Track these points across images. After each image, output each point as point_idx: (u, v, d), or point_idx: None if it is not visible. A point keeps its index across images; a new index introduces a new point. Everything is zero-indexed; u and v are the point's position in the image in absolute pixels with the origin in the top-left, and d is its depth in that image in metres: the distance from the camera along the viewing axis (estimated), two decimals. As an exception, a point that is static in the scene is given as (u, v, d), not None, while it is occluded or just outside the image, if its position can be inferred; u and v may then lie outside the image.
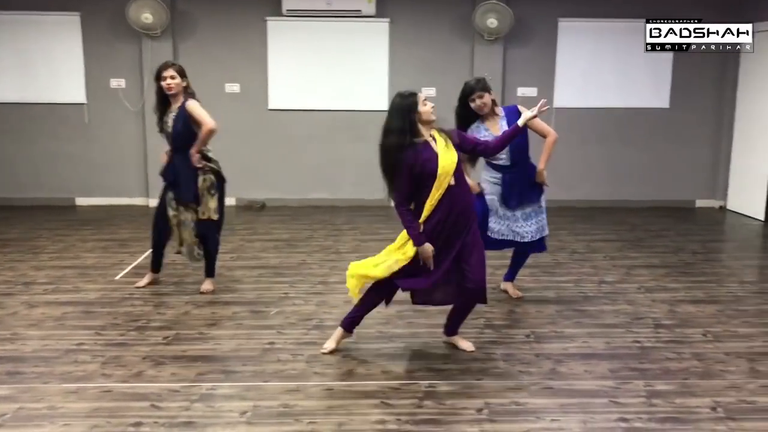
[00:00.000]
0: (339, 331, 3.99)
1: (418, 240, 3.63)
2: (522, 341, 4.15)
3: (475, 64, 8.50)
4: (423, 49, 8.51)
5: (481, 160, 4.69)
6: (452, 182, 3.64)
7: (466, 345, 4.05)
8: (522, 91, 8.62)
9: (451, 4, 8.48)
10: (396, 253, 3.72)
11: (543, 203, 4.80)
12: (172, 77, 4.78)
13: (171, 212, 4.97)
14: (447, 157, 3.64)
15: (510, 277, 5.11)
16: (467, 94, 4.58)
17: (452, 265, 3.72)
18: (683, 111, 8.75)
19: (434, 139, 3.71)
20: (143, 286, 5.15)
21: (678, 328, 4.40)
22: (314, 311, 4.67)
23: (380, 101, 8.38)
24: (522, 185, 4.68)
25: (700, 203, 8.97)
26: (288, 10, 8.18)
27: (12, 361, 3.80)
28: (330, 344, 3.96)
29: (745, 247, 6.91)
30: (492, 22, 8.08)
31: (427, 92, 8.53)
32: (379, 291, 3.87)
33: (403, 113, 3.65)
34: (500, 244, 4.78)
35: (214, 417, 3.18)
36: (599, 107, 8.75)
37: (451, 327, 4.07)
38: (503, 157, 4.61)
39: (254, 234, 7.07)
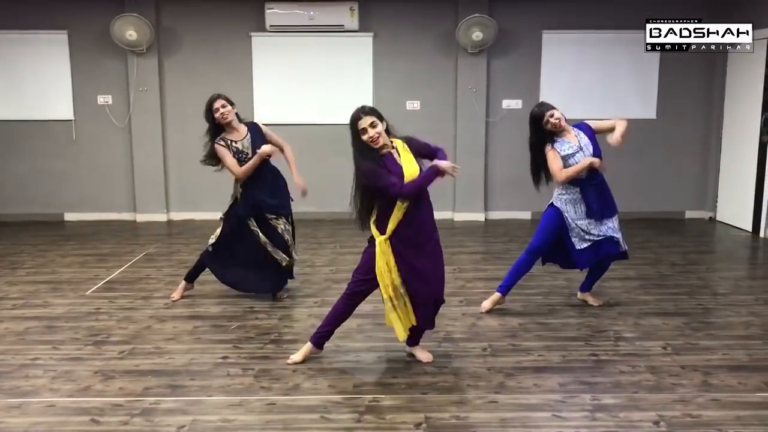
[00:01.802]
0: (308, 346, 3.99)
1: (429, 175, 3.68)
2: (477, 354, 4.12)
3: (459, 77, 8.51)
4: (406, 62, 8.54)
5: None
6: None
7: (424, 356, 4.04)
8: (507, 104, 8.63)
9: (434, 18, 8.50)
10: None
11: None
12: (224, 105, 4.93)
13: (262, 238, 5.02)
14: (410, 167, 3.68)
15: (588, 287, 5.11)
16: (538, 118, 4.74)
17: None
18: (671, 121, 8.71)
19: (397, 150, 3.73)
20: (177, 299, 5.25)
21: (639, 341, 4.35)
22: (275, 325, 4.66)
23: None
24: (602, 195, 4.82)
25: (689, 214, 8.90)
26: (272, 26, 8.24)
27: (-35, 377, 3.82)
28: (297, 357, 3.96)
29: (726, 259, 6.83)
30: (477, 35, 8.10)
31: (411, 106, 8.57)
32: (350, 305, 3.89)
33: (353, 134, 3.70)
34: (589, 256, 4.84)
35: (151, 431, 3.18)
36: (585, 118, 8.61)
37: (413, 338, 4.05)
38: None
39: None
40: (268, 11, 8.17)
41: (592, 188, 4.80)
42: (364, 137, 3.64)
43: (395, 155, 3.73)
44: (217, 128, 5.00)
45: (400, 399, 3.51)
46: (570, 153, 4.71)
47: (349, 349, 4.20)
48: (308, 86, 8.56)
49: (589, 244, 4.82)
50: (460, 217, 8.74)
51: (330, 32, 8.36)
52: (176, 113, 8.54)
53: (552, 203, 4.93)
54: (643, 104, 8.69)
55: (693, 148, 8.81)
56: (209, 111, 4.97)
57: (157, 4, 8.33)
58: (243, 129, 5.05)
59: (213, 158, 5.02)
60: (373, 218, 3.76)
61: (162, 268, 6.21)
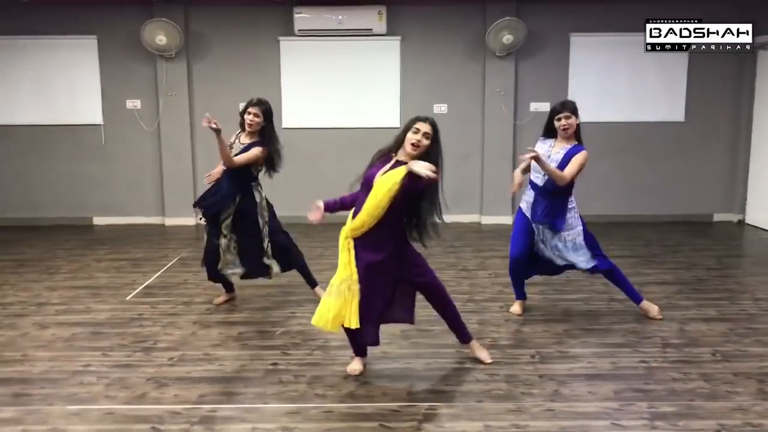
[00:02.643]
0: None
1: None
2: (526, 362, 4.12)
3: (487, 81, 8.51)
4: (434, 66, 8.54)
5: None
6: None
7: (483, 355, 4.09)
8: (535, 106, 8.61)
9: (462, 21, 8.51)
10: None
11: (580, 237, 4.86)
12: (256, 115, 4.97)
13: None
14: (385, 179, 3.60)
15: (638, 297, 4.99)
16: (553, 113, 4.73)
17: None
18: (699, 124, 8.68)
19: (397, 165, 3.66)
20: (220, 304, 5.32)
21: (686, 347, 4.34)
22: (320, 331, 4.65)
23: (392, 118, 8.44)
24: (550, 205, 4.76)
25: (717, 217, 8.86)
26: (300, 30, 8.26)
27: (19, 383, 3.85)
28: (357, 366, 3.96)
29: (761, 263, 6.79)
30: (508, 38, 8.10)
31: (438, 109, 8.57)
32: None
33: (405, 126, 3.72)
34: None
35: (213, 440, 3.20)
36: (613, 121, 8.70)
37: (457, 334, 4.11)
38: (539, 175, 4.74)
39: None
40: (296, 15, 8.18)
41: (541, 197, 4.78)
42: (410, 135, 3.65)
43: (393, 167, 3.65)
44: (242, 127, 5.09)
45: (457, 407, 3.51)
46: (546, 154, 4.71)
47: (397, 356, 4.20)
48: (336, 90, 8.58)
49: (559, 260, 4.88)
50: (487, 220, 8.73)
51: (358, 36, 8.37)
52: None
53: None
54: (671, 106, 8.66)
55: (721, 150, 8.78)
56: (244, 111, 5.04)
57: (186, 9, 8.37)
58: (253, 139, 5.02)
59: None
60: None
61: (198, 273, 6.22)
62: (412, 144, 3.63)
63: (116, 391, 3.73)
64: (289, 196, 8.80)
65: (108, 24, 8.44)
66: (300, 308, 5.18)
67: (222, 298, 5.35)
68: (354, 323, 3.67)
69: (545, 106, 8.56)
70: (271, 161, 5.04)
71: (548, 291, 5.58)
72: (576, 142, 4.74)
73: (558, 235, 4.81)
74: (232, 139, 5.10)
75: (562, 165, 4.65)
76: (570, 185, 4.74)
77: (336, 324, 3.73)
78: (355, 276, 3.68)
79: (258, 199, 5.08)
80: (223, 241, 5.03)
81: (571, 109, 4.69)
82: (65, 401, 3.61)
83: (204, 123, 4.67)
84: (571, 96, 8.59)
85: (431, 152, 3.67)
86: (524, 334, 4.61)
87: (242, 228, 5.04)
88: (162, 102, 8.48)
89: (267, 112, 5.04)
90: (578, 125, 4.74)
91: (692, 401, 3.56)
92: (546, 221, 4.77)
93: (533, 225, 4.85)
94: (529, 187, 4.91)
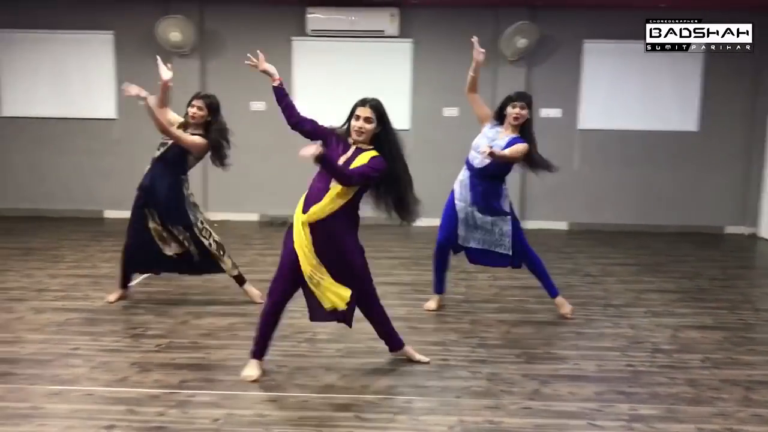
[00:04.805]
0: (253, 362, 3.82)
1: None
2: (511, 361, 4.09)
3: (498, 86, 8.47)
4: (445, 69, 8.54)
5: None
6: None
7: (419, 356, 4.04)
8: (546, 112, 8.57)
9: (474, 25, 8.44)
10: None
11: (507, 225, 4.90)
12: (200, 108, 4.99)
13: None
14: (358, 160, 3.63)
15: (554, 291, 5.03)
16: (510, 100, 4.79)
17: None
18: (713, 134, 8.58)
19: (360, 153, 3.67)
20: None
21: (677, 353, 4.28)
22: (309, 325, 4.61)
23: (402, 120, 8.45)
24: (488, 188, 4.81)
25: (729, 230, 8.74)
26: (313, 30, 8.32)
27: (7, 363, 3.90)
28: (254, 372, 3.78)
29: (768, 275, 6.70)
30: (522, 42, 8.08)
31: (449, 112, 8.57)
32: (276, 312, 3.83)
33: (349, 114, 3.78)
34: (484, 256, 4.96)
35: (187, 423, 3.21)
36: (625, 129, 8.64)
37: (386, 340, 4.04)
38: (478, 156, 4.75)
39: (269, 249, 7.14)
40: (309, 16, 8.25)
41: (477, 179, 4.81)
42: (353, 122, 3.68)
43: (355, 154, 3.67)
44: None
45: (434, 402, 3.50)
46: (486, 135, 4.79)
47: (382, 350, 4.18)
48: (347, 91, 8.48)
49: (479, 244, 4.91)
50: (494, 225, 8.68)
51: (370, 37, 8.41)
52: (216, 114, 8.64)
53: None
54: (684, 116, 8.58)
55: (735, 161, 8.67)
56: (189, 104, 5.08)
57: (201, 7, 8.47)
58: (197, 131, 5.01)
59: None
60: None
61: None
62: (355, 131, 3.66)
63: (99, 374, 3.77)
64: (298, 195, 8.86)
65: (124, 20, 8.57)
66: (292, 301, 5.17)
67: (116, 296, 5.18)
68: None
69: (557, 113, 8.57)
70: (217, 150, 4.99)
71: (544, 295, 5.52)
72: (520, 135, 4.75)
73: (490, 218, 4.83)
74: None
75: (504, 148, 4.70)
76: (507, 170, 4.83)
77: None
78: (315, 260, 3.66)
79: (186, 193, 5.05)
80: (153, 225, 4.99)
81: (528, 101, 4.77)
82: (48, 382, 3.66)
83: (132, 91, 4.64)
84: (584, 103, 8.57)
85: (380, 135, 3.68)
86: (514, 335, 4.57)
87: (171, 222, 4.99)
88: (175, 98, 8.54)
89: (211, 105, 5.02)
90: (529, 121, 4.75)
91: (674, 405, 3.51)
92: (482, 204, 4.80)
93: (463, 210, 4.85)
94: (465, 167, 4.90)
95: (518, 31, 8.02)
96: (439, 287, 5.10)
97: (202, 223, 5.07)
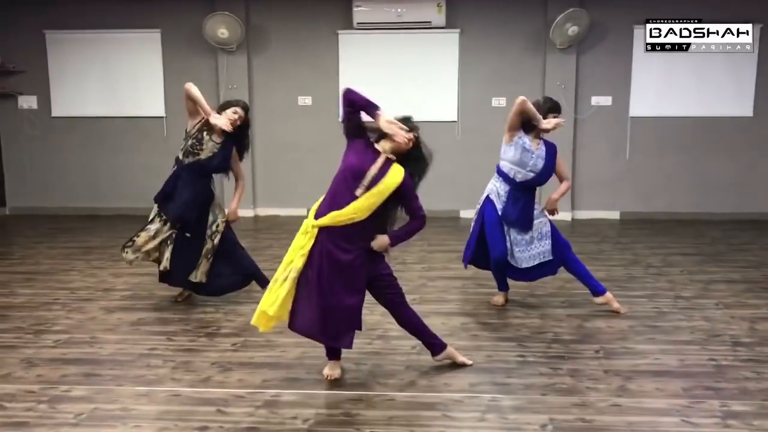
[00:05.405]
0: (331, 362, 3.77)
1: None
2: (590, 357, 4.04)
3: (547, 73, 8.39)
4: (493, 59, 8.46)
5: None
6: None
7: (463, 359, 3.92)
8: (596, 100, 8.47)
9: (523, 13, 8.40)
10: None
11: (546, 226, 4.86)
12: (241, 117, 4.95)
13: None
14: (391, 180, 3.49)
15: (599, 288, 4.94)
16: (555, 110, 4.76)
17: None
18: (768, 119, 8.39)
19: (390, 165, 3.54)
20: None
21: (758, 346, 4.19)
22: (378, 321, 4.66)
23: (450, 112, 8.44)
24: (528, 202, 4.78)
25: (787, 216, 8.55)
26: (359, 23, 8.29)
27: (90, 364, 3.96)
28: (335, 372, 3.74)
29: (836, 263, 6.52)
30: (573, 29, 7.96)
31: (497, 102, 8.49)
32: None
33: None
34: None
35: (278, 423, 3.22)
36: (678, 116, 8.48)
37: (428, 346, 3.88)
38: (522, 171, 4.72)
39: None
40: (355, 9, 8.22)
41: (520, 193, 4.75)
42: (403, 133, 3.51)
43: (386, 165, 3.52)
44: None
45: (520, 399, 3.46)
46: (528, 150, 4.67)
47: (457, 348, 4.15)
48: (394, 83, 8.56)
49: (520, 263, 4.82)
50: (545, 215, 8.60)
51: (417, 29, 8.36)
52: (264, 110, 8.67)
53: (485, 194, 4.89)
54: (739, 101, 8.39)
55: (792, 146, 8.47)
56: (226, 108, 5.01)
57: (247, 3, 8.49)
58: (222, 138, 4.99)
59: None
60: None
61: (260, 263, 6.26)
62: (402, 143, 3.53)
63: (181, 374, 3.80)
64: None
65: (171, 18, 8.62)
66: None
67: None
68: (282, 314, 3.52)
69: (607, 100, 8.45)
70: (245, 148, 5.13)
71: (611, 287, 5.45)
72: (543, 140, 4.80)
73: (529, 233, 4.80)
74: (192, 128, 5.02)
75: (549, 160, 4.72)
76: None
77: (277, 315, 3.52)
78: (301, 265, 3.46)
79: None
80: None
81: (557, 110, 4.80)
82: (133, 382, 3.69)
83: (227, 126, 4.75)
84: (635, 90, 8.44)
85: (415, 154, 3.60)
86: (587, 330, 4.52)
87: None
88: (222, 95, 8.59)
89: (247, 112, 5.07)
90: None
91: (766, 401, 3.43)
92: (523, 220, 4.74)
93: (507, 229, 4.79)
94: (501, 180, 4.79)
95: (569, 18, 7.89)
96: (504, 286, 5.05)
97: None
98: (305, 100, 8.67)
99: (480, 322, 4.60)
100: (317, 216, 3.54)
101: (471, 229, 5.00)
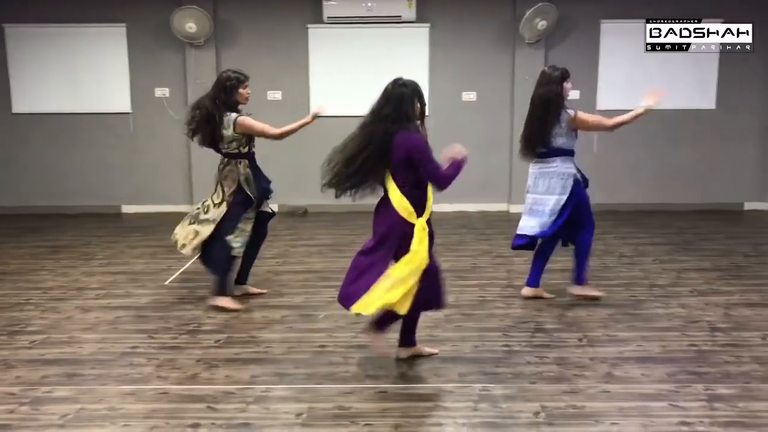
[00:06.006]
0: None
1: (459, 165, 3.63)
2: (575, 345, 4.09)
3: (517, 68, 8.46)
4: (463, 53, 8.50)
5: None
6: None
7: (430, 349, 3.96)
8: (564, 94, 8.54)
9: (492, 8, 8.46)
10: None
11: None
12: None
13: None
14: None
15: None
16: (564, 78, 4.84)
17: None
18: (730, 112, 8.61)
19: None
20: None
21: (735, 331, 4.30)
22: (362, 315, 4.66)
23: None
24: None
25: (748, 206, 8.79)
26: (329, 17, 8.25)
27: (71, 364, 3.86)
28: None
29: (799, 250, 6.74)
30: (542, 24, 8.04)
31: (467, 97, 8.54)
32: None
33: (417, 97, 3.72)
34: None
35: (271, 419, 3.19)
36: (643, 109, 8.60)
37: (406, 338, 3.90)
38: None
39: (298, 239, 7.13)
40: (325, 3, 8.18)
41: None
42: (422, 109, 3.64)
43: None
44: (230, 105, 4.86)
45: (511, 388, 3.49)
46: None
47: (443, 339, 4.18)
48: (364, 78, 8.53)
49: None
50: (515, 209, 8.67)
51: (387, 23, 8.35)
52: (233, 105, 8.56)
53: (571, 177, 4.78)
54: (702, 94, 8.60)
55: (753, 138, 8.71)
56: (235, 89, 4.85)
57: (215, -4, 8.37)
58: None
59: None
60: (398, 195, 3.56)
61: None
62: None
63: (167, 372, 3.74)
64: (316, 184, 8.81)
65: (137, 12, 8.46)
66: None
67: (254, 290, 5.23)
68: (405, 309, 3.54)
69: (575, 94, 8.50)
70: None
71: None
72: None
73: None
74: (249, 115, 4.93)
75: None
76: None
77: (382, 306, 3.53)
78: (425, 265, 3.53)
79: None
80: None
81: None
82: (118, 381, 3.62)
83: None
84: (602, 83, 8.56)
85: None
86: (569, 319, 4.58)
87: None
88: (191, 90, 8.47)
89: None
90: None
91: (748, 383, 3.52)
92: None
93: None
94: (571, 160, 4.84)
95: (538, 12, 7.98)
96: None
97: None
98: (275, 95, 8.59)
99: (463, 314, 4.62)
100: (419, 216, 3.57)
101: (553, 214, 4.76)
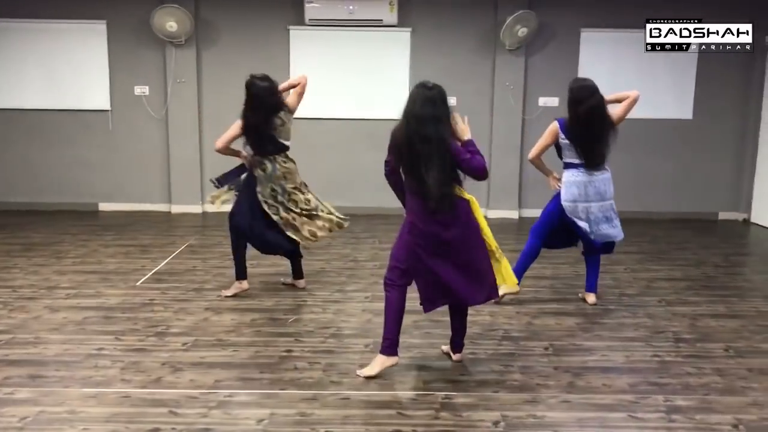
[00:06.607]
0: (380, 358, 3.75)
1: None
2: (540, 354, 4.12)
3: (497, 74, 8.50)
4: (444, 58, 8.52)
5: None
6: None
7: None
8: (543, 101, 8.61)
9: (474, 14, 8.49)
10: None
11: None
12: None
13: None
14: None
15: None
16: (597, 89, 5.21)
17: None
18: (707, 122, 8.68)
19: None
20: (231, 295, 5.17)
21: (699, 342, 4.35)
22: (332, 319, 4.67)
23: (400, 110, 8.40)
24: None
25: (723, 215, 8.88)
26: (311, 20, 8.24)
27: (34, 365, 3.84)
28: (370, 371, 3.74)
29: (769, 261, 6.82)
30: (522, 31, 8.08)
31: (448, 102, 8.55)
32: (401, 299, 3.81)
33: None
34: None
35: (232, 424, 3.20)
36: (621, 118, 8.67)
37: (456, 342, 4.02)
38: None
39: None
40: (307, 5, 8.16)
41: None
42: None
43: None
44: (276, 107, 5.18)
45: (473, 397, 3.52)
46: None
47: (410, 345, 4.20)
48: (345, 80, 8.55)
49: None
50: (493, 214, 8.73)
51: (368, 27, 8.35)
52: (213, 105, 8.55)
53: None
54: (679, 104, 8.67)
55: (728, 148, 8.79)
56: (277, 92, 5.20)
57: (196, -5, 8.34)
58: None
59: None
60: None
61: (207, 260, 6.23)
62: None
63: (131, 375, 3.73)
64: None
65: (117, 9, 8.40)
66: (311, 296, 5.18)
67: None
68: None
69: (554, 101, 8.59)
70: None
71: (557, 285, 5.59)
72: None
73: None
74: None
75: None
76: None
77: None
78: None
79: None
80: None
81: None
82: (81, 384, 3.61)
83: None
84: (581, 91, 8.58)
85: None
86: (536, 327, 4.61)
87: None
88: (170, 88, 8.45)
89: None
90: None
91: (707, 395, 3.57)
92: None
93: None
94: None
95: (519, 20, 8.02)
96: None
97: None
98: (255, 96, 8.56)
99: (432, 320, 4.63)
100: None
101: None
